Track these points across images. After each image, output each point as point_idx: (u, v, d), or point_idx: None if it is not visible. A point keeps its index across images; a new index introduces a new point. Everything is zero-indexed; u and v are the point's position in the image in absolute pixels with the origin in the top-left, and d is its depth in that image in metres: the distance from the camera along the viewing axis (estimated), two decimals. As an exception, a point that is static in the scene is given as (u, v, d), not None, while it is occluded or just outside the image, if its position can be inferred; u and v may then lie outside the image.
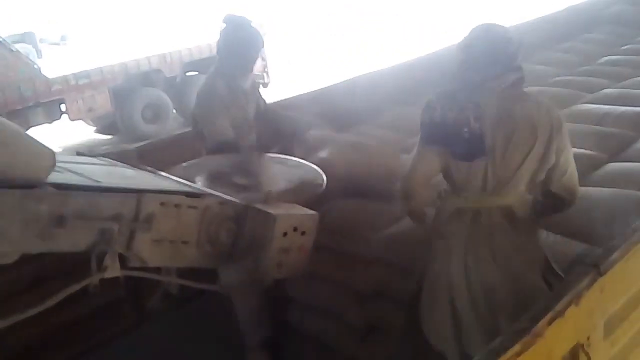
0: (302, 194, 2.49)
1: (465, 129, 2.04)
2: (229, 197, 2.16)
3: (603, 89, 4.41)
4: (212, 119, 2.87)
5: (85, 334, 2.85)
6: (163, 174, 2.41)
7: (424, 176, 2.20)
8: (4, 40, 8.07)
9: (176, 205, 1.98)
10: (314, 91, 4.29)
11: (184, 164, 2.75)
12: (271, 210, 2.11)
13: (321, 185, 2.57)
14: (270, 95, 8.77)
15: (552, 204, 2.23)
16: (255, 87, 3.17)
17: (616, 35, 6.11)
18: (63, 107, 8.43)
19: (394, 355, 2.43)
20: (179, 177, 2.35)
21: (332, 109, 3.91)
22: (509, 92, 2.08)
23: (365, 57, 11.62)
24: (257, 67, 9.83)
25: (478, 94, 2.06)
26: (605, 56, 5.41)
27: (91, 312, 2.77)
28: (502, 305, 2.07)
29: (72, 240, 1.76)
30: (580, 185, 2.93)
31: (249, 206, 2.15)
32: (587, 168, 3.12)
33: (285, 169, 2.80)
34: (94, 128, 9.62)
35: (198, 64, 9.10)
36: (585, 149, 3.29)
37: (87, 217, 1.77)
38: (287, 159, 2.89)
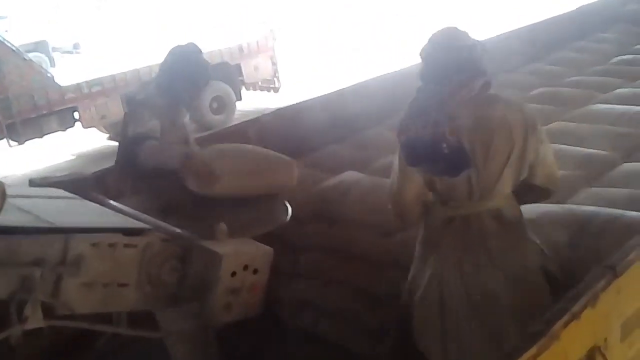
0: (265, 226, 2.36)
1: (444, 145, 1.97)
2: (177, 231, 2.03)
3: (617, 88, 4.38)
4: (133, 116, 2.71)
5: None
6: (113, 203, 2.30)
7: (414, 195, 2.14)
8: (17, 49, 8.15)
9: (111, 245, 1.82)
10: (324, 95, 4.29)
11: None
12: (218, 248, 1.95)
13: (285, 218, 2.45)
14: (282, 99, 8.79)
15: (536, 195, 2.24)
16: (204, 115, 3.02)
17: (630, 35, 6.07)
18: (76, 114, 8.49)
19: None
20: (132, 206, 2.23)
21: (342, 112, 3.91)
22: (479, 98, 2.04)
23: (375, 59, 11.61)
24: (267, 71, 9.94)
25: (448, 105, 2.00)
26: (619, 56, 5.37)
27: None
28: (507, 309, 2.03)
29: None
30: (595, 186, 2.93)
31: (195, 243, 1.99)
32: (602, 168, 3.10)
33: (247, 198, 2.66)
34: (107, 135, 9.69)
35: (209, 70, 9.17)
36: (600, 150, 3.26)
37: (4, 264, 1.63)
38: None
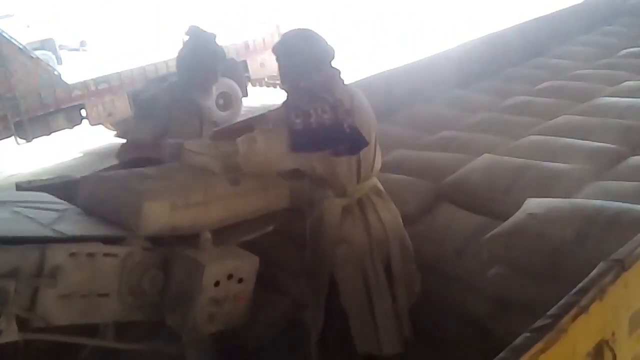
0: (252, 232, 2.30)
1: (346, 125, 2.15)
2: (162, 238, 1.97)
3: (624, 81, 4.35)
4: (137, 119, 2.79)
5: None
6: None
7: (260, 166, 2.16)
8: (24, 47, 8.16)
9: (90, 255, 1.76)
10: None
11: None
12: (200, 257, 1.89)
13: (275, 223, 2.40)
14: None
15: None
16: (212, 110, 3.01)
17: (636, 27, 6.03)
18: (83, 112, 8.52)
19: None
20: None
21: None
22: (347, 87, 2.34)
23: (378, 56, 11.58)
24: (273, 68, 9.89)
25: (336, 91, 2.23)
26: (626, 48, 5.34)
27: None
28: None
29: None
30: (603, 179, 2.92)
31: (176, 252, 1.93)
32: (609, 162, 3.08)
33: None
34: (114, 132, 9.72)
35: (215, 67, 9.18)
36: (607, 143, 3.25)
37: None
38: None
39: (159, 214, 1.89)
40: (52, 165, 8.77)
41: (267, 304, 2.78)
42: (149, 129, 2.72)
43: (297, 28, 2.32)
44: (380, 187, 2.42)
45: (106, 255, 1.80)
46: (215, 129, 2.96)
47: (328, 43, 2.30)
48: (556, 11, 6.14)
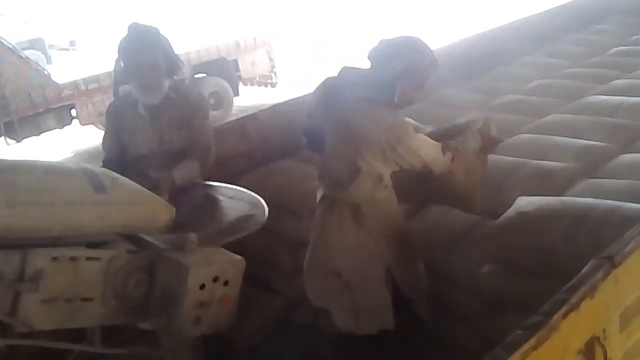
0: (239, 232, 2.28)
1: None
2: (145, 240, 1.95)
3: (614, 80, 4.38)
4: (105, 133, 2.81)
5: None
6: None
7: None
8: (13, 46, 8.11)
9: (72, 259, 1.72)
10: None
11: None
12: (184, 259, 1.85)
13: (261, 222, 2.39)
14: (279, 94, 8.78)
15: (442, 187, 2.40)
16: (193, 120, 2.74)
17: (626, 26, 6.06)
18: (74, 112, 8.47)
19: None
20: None
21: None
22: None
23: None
24: (265, 67, 9.93)
25: None
26: (616, 47, 5.37)
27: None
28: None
29: None
30: (594, 177, 2.94)
31: (161, 255, 1.90)
32: (600, 160, 3.10)
33: (223, 202, 2.60)
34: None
35: (206, 66, 9.12)
36: (597, 141, 3.27)
37: None
38: (229, 188, 2.72)
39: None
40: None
41: (259, 303, 2.78)
42: (114, 141, 2.76)
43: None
44: (370, 212, 2.31)
45: (89, 258, 1.77)
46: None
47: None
48: (546, 10, 6.17)
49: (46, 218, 1.73)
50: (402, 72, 2.17)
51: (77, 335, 1.95)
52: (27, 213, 1.69)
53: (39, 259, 1.65)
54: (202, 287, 1.85)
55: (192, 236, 1.93)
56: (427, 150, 2.25)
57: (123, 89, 2.78)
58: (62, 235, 1.77)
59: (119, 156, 2.78)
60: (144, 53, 2.60)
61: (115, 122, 2.79)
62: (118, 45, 2.66)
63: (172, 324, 1.85)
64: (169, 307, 1.86)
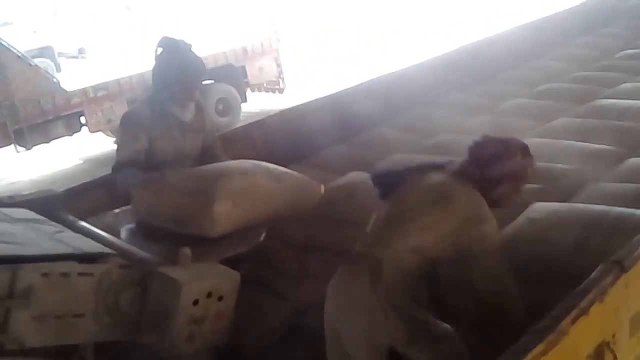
0: (236, 247, 2.26)
1: None
2: (139, 255, 1.94)
3: (622, 83, 4.36)
4: (121, 138, 2.80)
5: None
6: (82, 224, 2.20)
7: None
8: (23, 55, 8.16)
9: (64, 274, 1.71)
10: (329, 95, 4.29)
11: (116, 210, 2.60)
12: (178, 275, 1.82)
13: (259, 237, 2.37)
14: (286, 100, 8.80)
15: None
16: (205, 122, 2.90)
17: (634, 29, 6.04)
18: (83, 119, 8.51)
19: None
20: (107, 226, 2.14)
21: (347, 112, 3.91)
22: None
23: (378, 59, 11.59)
24: (272, 73, 9.95)
25: None
26: (623, 50, 5.35)
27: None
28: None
29: None
30: (602, 182, 2.92)
31: (153, 270, 1.86)
32: (608, 164, 3.08)
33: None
34: (113, 139, 9.72)
35: (214, 73, 9.15)
36: (605, 145, 3.25)
37: None
38: None
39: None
40: (52, 173, 8.76)
41: (267, 309, 2.78)
42: (132, 146, 2.74)
43: None
44: (390, 278, 1.96)
45: (81, 274, 1.75)
46: None
47: None
48: (554, 13, 6.16)
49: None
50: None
51: (71, 352, 1.94)
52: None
53: (29, 275, 1.64)
54: (196, 302, 1.82)
55: (186, 250, 1.91)
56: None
57: (143, 95, 2.87)
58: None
59: (138, 161, 2.78)
60: (186, 75, 2.70)
61: (138, 128, 2.77)
62: (157, 60, 2.74)
63: (166, 340, 1.82)
64: (161, 323, 1.83)
